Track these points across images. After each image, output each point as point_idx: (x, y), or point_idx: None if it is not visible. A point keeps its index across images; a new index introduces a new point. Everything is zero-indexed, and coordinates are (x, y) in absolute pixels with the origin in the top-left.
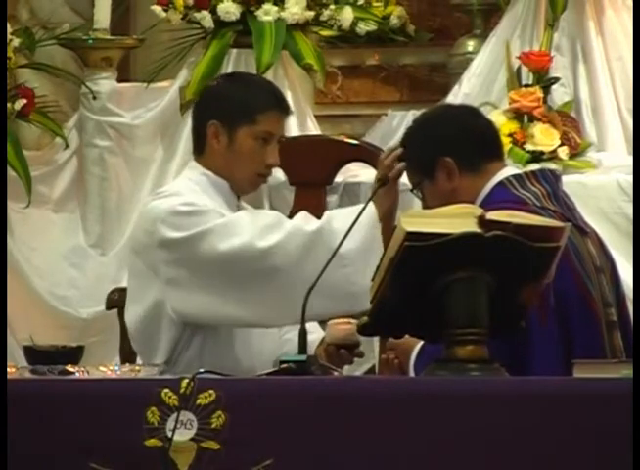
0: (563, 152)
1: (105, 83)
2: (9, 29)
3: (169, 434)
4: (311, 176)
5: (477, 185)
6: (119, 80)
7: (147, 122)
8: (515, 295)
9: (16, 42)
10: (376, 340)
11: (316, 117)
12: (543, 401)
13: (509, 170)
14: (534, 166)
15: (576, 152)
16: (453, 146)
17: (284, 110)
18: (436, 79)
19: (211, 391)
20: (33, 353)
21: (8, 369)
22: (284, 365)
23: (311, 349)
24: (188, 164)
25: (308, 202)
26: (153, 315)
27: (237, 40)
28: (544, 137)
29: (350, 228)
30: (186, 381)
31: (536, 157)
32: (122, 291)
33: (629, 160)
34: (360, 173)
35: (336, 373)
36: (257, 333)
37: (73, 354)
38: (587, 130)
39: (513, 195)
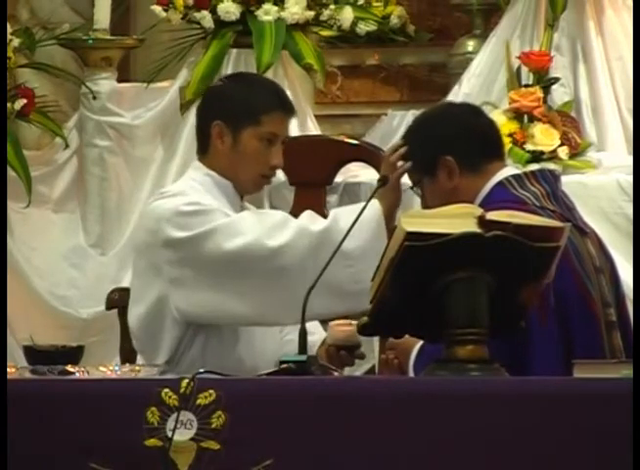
0: (563, 152)
1: (105, 83)
2: (9, 29)
3: (169, 434)
4: (311, 176)
5: (477, 185)
6: (119, 80)
7: (147, 122)
8: (515, 295)
9: (16, 42)
10: (376, 340)
11: (316, 117)
12: (543, 401)
13: (508, 170)
14: (534, 166)
15: (576, 152)
16: (454, 145)
17: (288, 111)
18: (436, 79)
19: (211, 391)
20: (33, 353)
21: (8, 369)
22: (284, 365)
23: (313, 350)
24: (192, 164)
25: (308, 202)
26: (155, 314)
27: (237, 40)
28: (544, 137)
29: (352, 226)
30: (186, 381)
31: (536, 157)
32: (122, 291)
33: (629, 160)
34: (360, 173)
35: (336, 373)
36: (260, 333)
37: (73, 354)
38: (587, 130)
39: (512, 195)
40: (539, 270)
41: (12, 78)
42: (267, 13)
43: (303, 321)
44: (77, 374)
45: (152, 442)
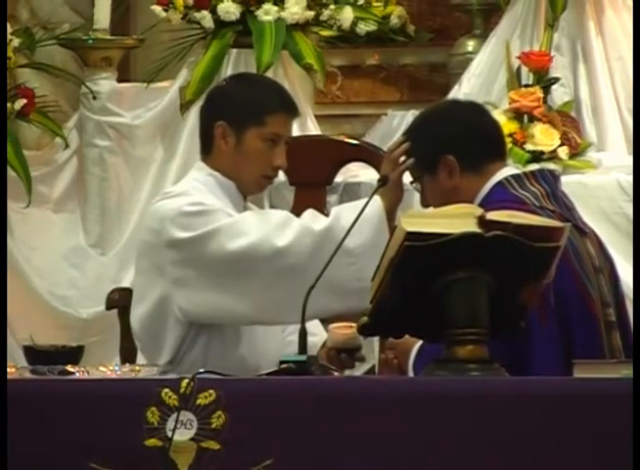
0: (563, 152)
1: (105, 83)
2: (9, 29)
3: (169, 434)
4: (311, 176)
5: (477, 185)
6: (119, 80)
7: (147, 122)
8: (515, 295)
9: (16, 42)
10: (376, 340)
11: (316, 117)
12: (543, 401)
13: (508, 170)
14: (534, 167)
15: (576, 152)
16: (456, 145)
17: (292, 111)
18: (436, 79)
19: (211, 391)
20: (33, 353)
21: (8, 369)
22: (284, 365)
23: (314, 351)
24: (195, 164)
25: (308, 202)
26: (158, 314)
27: (237, 40)
28: (544, 137)
29: (354, 224)
30: (186, 381)
31: (536, 157)
32: (122, 291)
33: (629, 160)
34: (360, 173)
35: (336, 373)
36: (262, 333)
37: (73, 354)
38: (587, 130)
39: (512, 195)
40: (539, 270)
41: (12, 78)
42: (267, 13)
43: (303, 321)
44: (77, 374)
45: (152, 442)
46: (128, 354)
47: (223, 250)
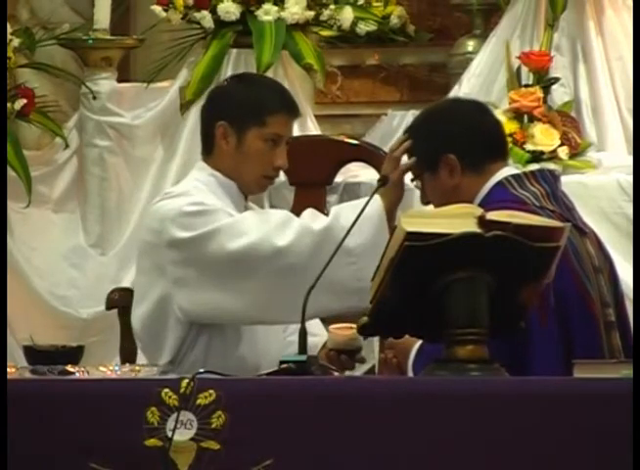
0: (563, 152)
1: (105, 83)
2: (9, 29)
3: (169, 434)
4: (311, 176)
5: (478, 184)
6: (119, 80)
7: (147, 122)
8: (515, 295)
9: (16, 42)
10: (376, 340)
11: (316, 117)
12: (543, 401)
13: (508, 170)
14: (534, 166)
15: (576, 152)
16: (458, 144)
17: (293, 112)
18: (436, 79)
19: (211, 391)
20: (33, 353)
21: (8, 369)
22: (284, 365)
23: (314, 351)
24: (196, 164)
25: (308, 202)
26: (159, 314)
27: (237, 40)
28: (544, 137)
29: (354, 223)
30: (186, 381)
31: (536, 157)
32: (122, 291)
33: (629, 160)
34: (360, 173)
35: (336, 374)
36: (263, 333)
37: (73, 354)
38: (587, 130)
39: (512, 195)
40: (539, 270)
41: (12, 78)
42: (267, 13)
43: (303, 321)
44: (77, 374)
45: (152, 442)
46: (128, 354)
47: (223, 249)
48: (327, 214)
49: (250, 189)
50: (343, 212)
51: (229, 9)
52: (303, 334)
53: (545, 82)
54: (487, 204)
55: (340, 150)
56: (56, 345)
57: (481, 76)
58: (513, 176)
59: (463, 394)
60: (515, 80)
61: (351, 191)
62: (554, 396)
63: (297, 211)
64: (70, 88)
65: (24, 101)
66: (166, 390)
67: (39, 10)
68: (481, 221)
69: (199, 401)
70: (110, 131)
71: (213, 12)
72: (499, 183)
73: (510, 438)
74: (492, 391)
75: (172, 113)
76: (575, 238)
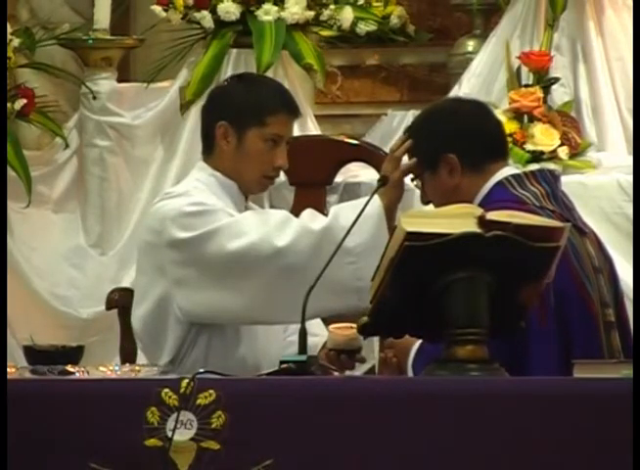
0: (563, 152)
1: (105, 83)
2: (9, 29)
3: (169, 434)
4: (311, 176)
5: (478, 184)
6: (119, 80)
7: (147, 122)
8: (515, 295)
9: (16, 42)
10: (376, 340)
11: (316, 117)
12: (543, 401)
13: (508, 170)
14: (534, 166)
15: (576, 152)
16: (458, 144)
17: (293, 112)
18: (436, 79)
19: (211, 391)
20: (33, 353)
21: (8, 369)
22: (284, 365)
23: (314, 351)
24: (197, 164)
25: (308, 202)
26: (159, 314)
27: (237, 40)
28: (544, 137)
29: (354, 223)
30: (186, 381)
31: (536, 157)
32: (122, 291)
33: (629, 160)
34: (360, 173)
35: (336, 373)
36: (263, 333)
37: (73, 354)
38: (587, 130)
39: (512, 195)
40: (539, 270)
41: (12, 78)
42: (267, 13)
43: (303, 321)
44: (77, 374)
45: (152, 442)
46: (128, 354)
47: (223, 250)
48: (327, 214)
49: (250, 189)
50: (343, 212)
51: (229, 9)
52: (303, 334)
53: (545, 82)
54: (487, 203)
55: (340, 150)
56: (56, 345)
57: (481, 76)
58: (513, 176)
59: (463, 394)
60: (515, 80)
61: (351, 191)
62: (554, 396)
63: (296, 211)
64: (70, 88)
65: (24, 101)
66: (166, 390)
67: (39, 10)
68: (481, 221)
69: (199, 401)
70: (110, 131)
71: (213, 12)
72: (499, 183)
73: (510, 438)
74: (492, 391)
75: (172, 113)
76: (575, 238)
